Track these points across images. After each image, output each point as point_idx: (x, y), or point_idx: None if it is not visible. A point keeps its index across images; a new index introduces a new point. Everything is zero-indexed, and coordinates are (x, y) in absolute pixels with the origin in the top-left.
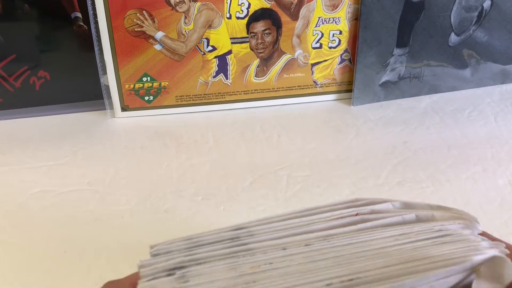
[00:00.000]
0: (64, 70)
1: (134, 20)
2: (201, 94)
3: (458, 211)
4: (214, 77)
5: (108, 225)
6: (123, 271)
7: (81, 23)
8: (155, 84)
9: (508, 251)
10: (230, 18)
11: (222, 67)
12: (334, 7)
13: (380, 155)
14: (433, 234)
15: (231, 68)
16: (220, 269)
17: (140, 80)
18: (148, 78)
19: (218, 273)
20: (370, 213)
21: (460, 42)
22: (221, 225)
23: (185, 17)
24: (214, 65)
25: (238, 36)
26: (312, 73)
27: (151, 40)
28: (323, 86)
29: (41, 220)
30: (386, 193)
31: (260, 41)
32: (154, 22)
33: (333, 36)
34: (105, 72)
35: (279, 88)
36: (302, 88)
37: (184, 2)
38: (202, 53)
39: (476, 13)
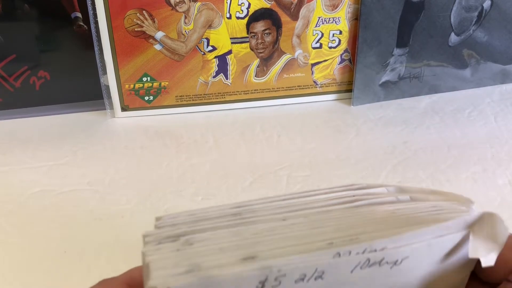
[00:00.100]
0: (64, 70)
1: (134, 20)
2: (201, 94)
3: (453, 194)
4: (214, 77)
5: (108, 225)
6: (123, 271)
7: (81, 23)
8: (155, 84)
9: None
10: (230, 18)
11: (222, 67)
12: (334, 7)
13: (380, 155)
14: (427, 209)
15: (231, 68)
16: (224, 235)
17: (140, 80)
18: (148, 78)
19: (222, 238)
20: (366, 195)
21: (460, 42)
22: None
23: (185, 17)
24: (214, 65)
25: (238, 36)
26: (312, 73)
27: (151, 40)
28: (323, 86)
29: (41, 220)
30: None
31: (260, 41)
32: (154, 22)
33: (333, 36)
34: (105, 72)
35: (279, 88)
36: (302, 88)
37: (184, 2)
38: (202, 53)
39: (476, 13)
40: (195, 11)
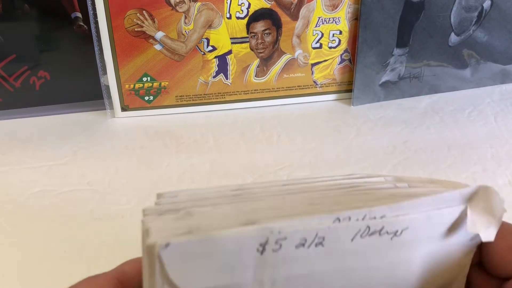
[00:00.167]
0: (64, 70)
1: (134, 20)
2: (201, 94)
3: (452, 182)
4: (214, 77)
5: (108, 224)
6: None
7: (81, 23)
8: (155, 84)
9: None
10: (230, 18)
11: (222, 67)
12: (334, 7)
13: (380, 155)
14: (425, 192)
15: (231, 68)
16: (224, 208)
17: (140, 80)
18: (148, 78)
19: (222, 210)
20: (365, 183)
21: (460, 42)
22: None
23: (185, 17)
24: (214, 65)
25: (238, 36)
26: (312, 73)
27: (151, 40)
28: (323, 86)
29: (41, 220)
30: None
31: (260, 41)
32: (154, 22)
33: (333, 36)
34: (105, 72)
35: (279, 88)
36: (302, 88)
37: (184, 2)
38: (202, 53)
39: (476, 13)
40: (195, 11)
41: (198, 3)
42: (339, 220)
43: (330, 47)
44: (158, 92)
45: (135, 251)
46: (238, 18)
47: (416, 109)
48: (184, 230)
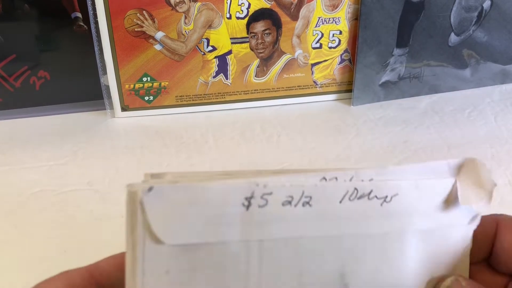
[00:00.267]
0: (64, 70)
1: (134, 20)
2: (201, 94)
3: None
4: (214, 77)
5: (108, 224)
6: None
7: (81, 23)
8: (155, 84)
9: None
10: (230, 18)
11: (222, 67)
12: (334, 7)
13: (380, 155)
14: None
15: (231, 68)
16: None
17: (140, 80)
18: (148, 78)
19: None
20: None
21: (460, 42)
22: None
23: (185, 17)
24: (214, 65)
25: (238, 36)
26: (312, 73)
27: (151, 40)
28: (323, 86)
29: (41, 220)
30: None
31: (260, 41)
32: (154, 22)
33: (333, 36)
34: (105, 72)
35: (279, 88)
36: (302, 88)
37: (184, 2)
38: (202, 53)
39: (476, 13)
40: (195, 11)
41: (198, 3)
42: (326, 179)
43: (330, 47)
44: (158, 92)
45: None
46: (238, 18)
47: (416, 109)
48: (169, 182)
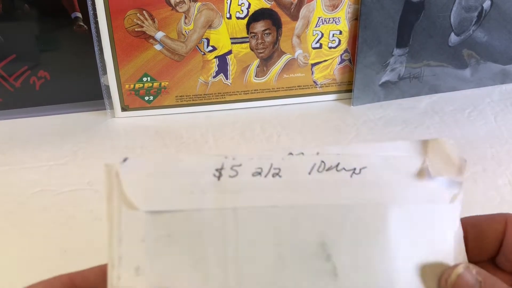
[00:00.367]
0: (64, 70)
1: (134, 20)
2: (201, 94)
3: None
4: (214, 77)
5: None
6: None
7: (81, 23)
8: (155, 84)
9: None
10: (230, 18)
11: (222, 67)
12: (334, 7)
13: None
14: None
15: (231, 68)
16: None
17: (140, 80)
18: (148, 78)
19: None
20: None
21: (460, 42)
22: None
23: (185, 17)
24: (214, 65)
25: (238, 36)
26: (312, 73)
27: (151, 40)
28: (323, 86)
29: (41, 220)
30: None
31: (260, 41)
32: (154, 22)
33: (333, 36)
34: (105, 72)
35: (279, 88)
36: (302, 88)
37: (184, 2)
38: (202, 53)
39: (476, 13)
40: (195, 11)
41: (198, 3)
42: (292, 154)
43: (330, 47)
44: (158, 92)
45: None
46: (238, 18)
47: (416, 109)
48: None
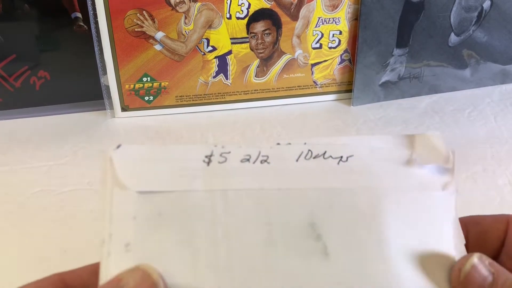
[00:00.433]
0: (64, 70)
1: (134, 20)
2: (201, 94)
3: None
4: (214, 77)
5: None
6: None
7: (81, 23)
8: (155, 84)
9: None
10: (230, 18)
11: (222, 67)
12: (334, 7)
13: None
14: None
15: (231, 68)
16: None
17: (140, 80)
18: (148, 78)
19: None
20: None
21: (460, 42)
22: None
23: (185, 17)
24: (214, 65)
25: (238, 36)
26: (312, 73)
27: (151, 40)
28: (323, 86)
29: (41, 220)
30: None
31: (260, 41)
32: (154, 22)
33: (333, 36)
34: (105, 72)
35: (279, 88)
36: (302, 88)
37: (184, 2)
38: (202, 53)
39: (475, 13)
40: (195, 11)
41: (198, 3)
42: (279, 144)
43: (330, 47)
44: (158, 92)
45: None
46: (238, 18)
47: (416, 109)
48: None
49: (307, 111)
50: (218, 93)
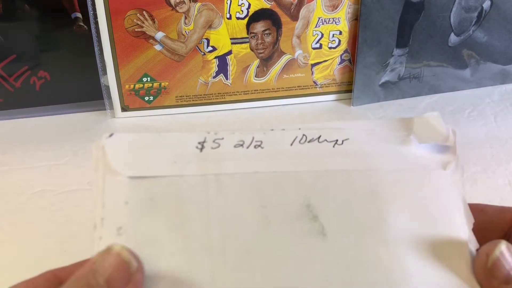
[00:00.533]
0: (64, 70)
1: (134, 20)
2: (201, 95)
3: None
4: (214, 77)
5: None
6: None
7: (81, 23)
8: (155, 85)
9: None
10: (230, 18)
11: (222, 67)
12: (334, 7)
13: None
14: None
15: (231, 69)
16: None
17: (140, 81)
18: (148, 78)
19: None
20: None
21: (460, 43)
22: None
23: (185, 18)
24: (214, 66)
25: (238, 37)
26: (312, 74)
27: (151, 40)
28: (323, 87)
29: (41, 220)
30: None
31: (260, 41)
32: (154, 22)
33: (333, 36)
34: (105, 72)
35: (279, 88)
36: (302, 89)
37: (184, 3)
38: (202, 53)
39: (475, 14)
40: (195, 12)
41: (198, 4)
42: (273, 129)
43: (330, 48)
44: (158, 93)
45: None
46: (238, 18)
47: (416, 109)
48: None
49: (307, 111)
50: (218, 93)
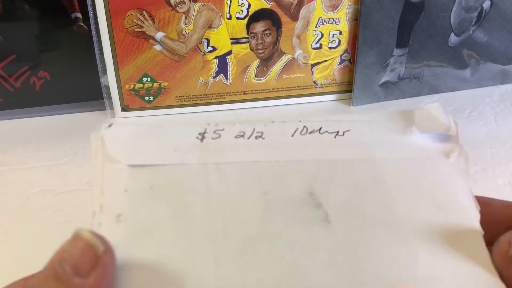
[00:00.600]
0: (64, 70)
1: (134, 20)
2: (201, 95)
3: None
4: (214, 77)
5: None
6: None
7: (81, 23)
8: (155, 85)
9: None
10: (230, 18)
11: (222, 67)
12: (334, 7)
13: None
14: None
15: (231, 69)
16: None
17: (140, 81)
18: (148, 78)
19: None
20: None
21: (460, 43)
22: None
23: (185, 18)
24: (214, 66)
25: (238, 37)
26: (312, 74)
27: (151, 40)
28: (323, 87)
29: (41, 220)
30: None
31: (260, 41)
32: (154, 22)
33: (333, 36)
34: (105, 72)
35: (279, 88)
36: (302, 89)
37: (184, 3)
38: (202, 53)
39: (475, 14)
40: (195, 12)
41: (198, 4)
42: (273, 122)
43: (330, 48)
44: (158, 93)
45: None
46: (238, 18)
47: None
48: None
49: (307, 111)
50: (218, 93)
